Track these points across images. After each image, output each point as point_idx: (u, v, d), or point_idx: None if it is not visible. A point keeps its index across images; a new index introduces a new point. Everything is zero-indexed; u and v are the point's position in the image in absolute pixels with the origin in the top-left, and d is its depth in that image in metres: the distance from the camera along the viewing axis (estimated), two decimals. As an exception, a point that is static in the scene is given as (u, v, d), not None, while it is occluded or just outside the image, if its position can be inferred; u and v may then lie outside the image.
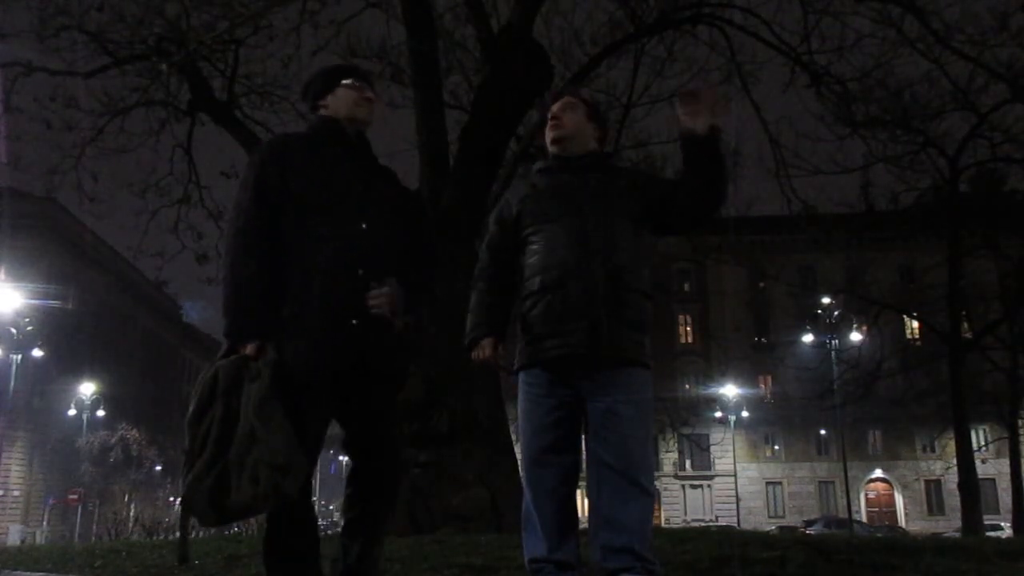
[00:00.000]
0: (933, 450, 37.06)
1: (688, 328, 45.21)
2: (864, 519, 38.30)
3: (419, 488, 6.60)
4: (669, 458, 41.58)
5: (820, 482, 42.33)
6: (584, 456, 2.59)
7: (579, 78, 10.52)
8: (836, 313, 25.03)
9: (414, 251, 2.56)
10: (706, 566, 3.83)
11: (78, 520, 34.43)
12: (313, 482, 2.41)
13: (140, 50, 9.55)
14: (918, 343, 31.03)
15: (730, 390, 37.95)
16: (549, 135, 2.77)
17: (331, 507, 50.53)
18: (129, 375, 43.45)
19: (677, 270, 42.44)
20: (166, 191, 10.89)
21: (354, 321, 2.33)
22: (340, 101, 2.55)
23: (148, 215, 11.00)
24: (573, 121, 2.74)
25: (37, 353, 27.27)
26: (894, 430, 39.88)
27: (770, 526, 33.59)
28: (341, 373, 2.35)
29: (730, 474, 41.03)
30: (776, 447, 43.51)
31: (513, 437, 6.72)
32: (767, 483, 42.93)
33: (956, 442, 18.76)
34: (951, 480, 24.63)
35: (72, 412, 35.87)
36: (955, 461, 18.83)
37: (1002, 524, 26.04)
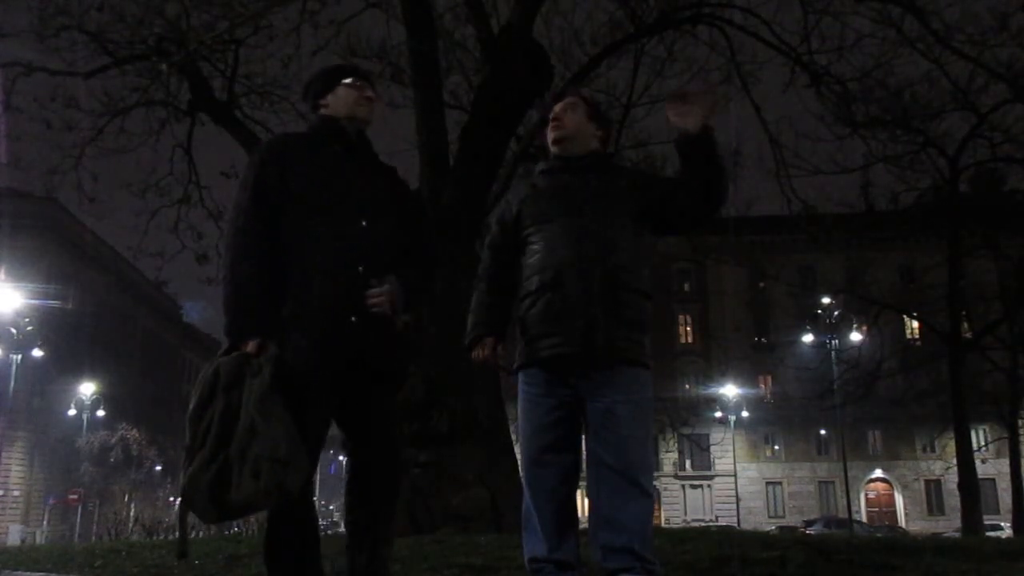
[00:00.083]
0: (933, 450, 37.04)
1: (688, 328, 45.22)
2: (864, 519, 38.30)
3: (419, 488, 6.60)
4: (669, 458, 41.59)
5: (820, 482, 42.34)
6: (584, 456, 2.59)
7: (579, 78, 10.52)
8: (836, 313, 25.03)
9: (414, 250, 2.56)
10: (706, 566, 3.83)
11: (78, 520, 34.43)
12: (314, 482, 2.40)
13: (140, 50, 9.55)
14: (918, 343, 31.03)
15: (730, 390, 37.96)
16: (550, 135, 2.77)
17: (331, 507, 50.51)
18: (129, 375, 43.46)
19: (677, 270, 42.47)
20: (166, 191, 10.90)
21: (354, 319, 2.34)
22: (340, 100, 2.55)
23: (148, 215, 11.02)
24: (574, 121, 2.74)
25: (37, 353, 27.27)
26: (894, 430, 39.88)
27: (770, 526, 33.58)
28: (341, 372, 2.35)
29: (730, 474, 41.04)
30: (776, 447, 43.51)
31: (513, 437, 6.72)
32: (767, 483, 42.93)
33: (956, 442, 18.77)
34: (951, 480, 24.63)
35: (72, 412, 35.86)
36: (955, 461, 18.84)
37: (1002, 524, 26.06)
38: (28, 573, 5.10)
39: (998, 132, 16.40)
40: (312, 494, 2.39)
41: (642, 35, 11.04)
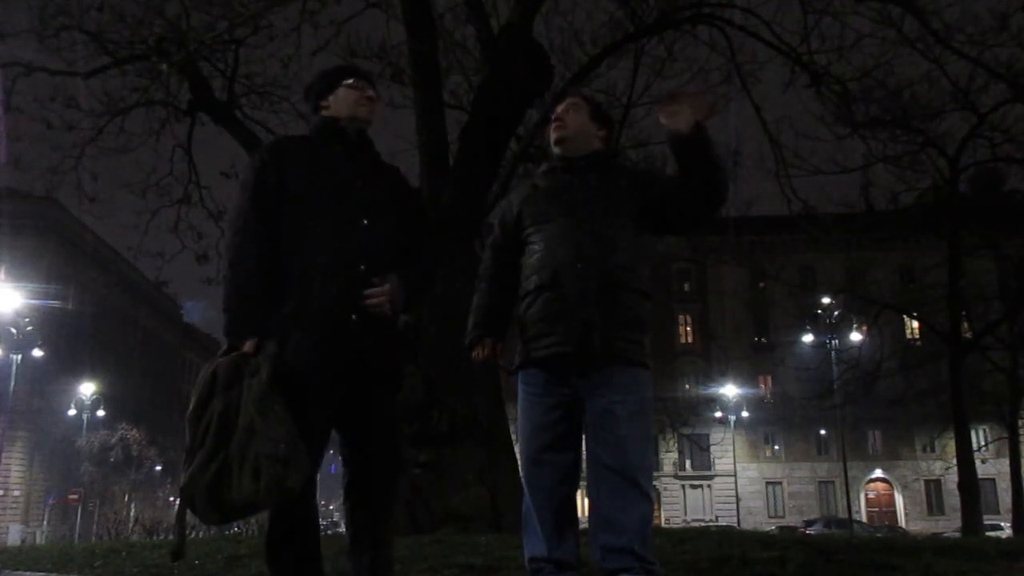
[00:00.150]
0: (933, 450, 37.07)
1: (688, 328, 45.22)
2: (864, 519, 38.31)
3: (419, 488, 6.60)
4: (669, 458, 41.58)
5: (820, 482, 42.34)
6: (584, 456, 2.59)
7: (579, 78, 10.52)
8: (836, 313, 25.02)
9: (414, 250, 2.57)
10: (706, 566, 3.83)
11: (78, 520, 34.42)
12: (316, 482, 2.40)
13: (140, 50, 9.55)
14: (918, 343, 31.00)
15: (730, 390, 37.96)
16: (552, 136, 2.77)
17: (331, 507, 50.51)
18: (129, 375, 43.46)
19: (677, 270, 42.48)
20: (166, 191, 10.91)
21: (354, 317, 2.34)
22: (341, 101, 2.56)
23: (148, 215, 11.02)
24: (576, 122, 2.74)
25: (37, 353, 27.26)
26: (894, 430, 39.87)
27: (770, 526, 33.59)
28: (341, 372, 2.35)
29: (730, 474, 41.03)
30: (776, 447, 43.51)
31: (513, 437, 6.71)
32: (767, 483, 42.94)
33: (956, 442, 18.77)
34: (951, 480, 24.63)
35: (72, 412, 35.85)
36: (955, 461, 18.83)
37: (1002, 524, 26.05)
38: (28, 573, 5.11)
39: (998, 132, 16.38)
40: (314, 494, 2.39)
41: (642, 35, 11.03)
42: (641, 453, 2.50)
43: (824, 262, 32.93)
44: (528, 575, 2.58)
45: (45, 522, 36.03)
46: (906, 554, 4.19)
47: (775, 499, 42.73)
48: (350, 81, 2.59)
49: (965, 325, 20.78)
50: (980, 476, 19.09)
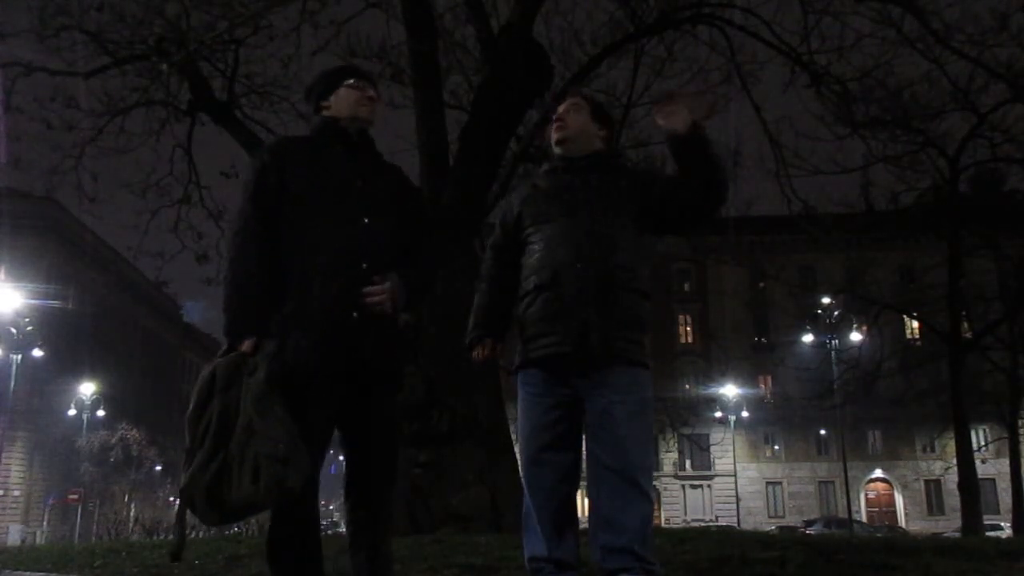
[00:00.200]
0: (933, 450, 37.06)
1: (688, 328, 45.23)
2: (864, 519, 38.31)
3: (419, 488, 6.60)
4: (669, 458, 41.59)
5: (820, 482, 42.35)
6: (584, 456, 2.59)
7: (579, 78, 10.52)
8: (836, 313, 25.02)
9: (414, 249, 2.57)
10: (706, 566, 3.83)
11: (78, 520, 34.42)
12: (318, 482, 2.40)
13: (140, 50, 9.55)
14: (918, 343, 31.01)
15: (730, 390, 37.96)
16: (554, 136, 2.77)
17: (331, 507, 50.50)
18: (129, 375, 43.46)
19: (677, 270, 42.49)
20: (166, 191, 10.90)
21: (355, 315, 2.35)
22: (342, 101, 2.57)
23: (148, 215, 11.01)
24: (577, 122, 2.75)
25: (37, 353, 27.25)
26: (894, 430, 39.88)
27: (770, 526, 33.59)
28: (342, 371, 2.35)
29: (730, 474, 41.02)
30: (776, 447, 43.52)
31: (513, 437, 6.72)
32: (767, 483, 42.94)
33: (956, 442, 18.77)
34: (951, 480, 24.62)
35: (72, 412, 35.85)
36: (955, 461, 18.84)
37: (1002, 524, 26.05)
38: (28, 573, 5.11)
39: (998, 132, 16.39)
40: (315, 494, 2.39)
41: (642, 35, 11.03)
42: (641, 453, 2.49)
43: (824, 262, 32.90)
44: (528, 575, 2.58)
45: (45, 522, 36.03)
46: (906, 554, 4.19)
47: (775, 499, 42.73)
48: (351, 81, 2.59)
49: (965, 325, 20.79)
50: (980, 476, 19.09)
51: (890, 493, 42.20)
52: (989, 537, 10.61)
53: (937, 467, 36.51)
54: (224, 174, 10.81)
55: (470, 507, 6.60)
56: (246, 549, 5.03)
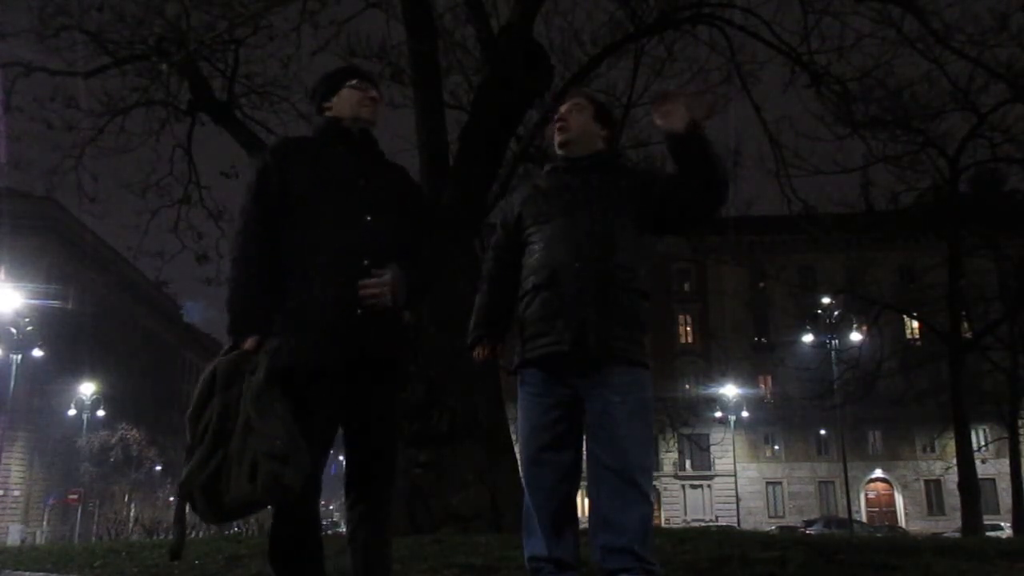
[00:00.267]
0: (933, 450, 37.06)
1: (688, 328, 45.22)
2: (864, 519, 38.31)
3: (419, 488, 6.60)
4: (669, 458, 41.59)
5: (820, 482, 42.35)
6: (585, 455, 2.59)
7: (579, 78, 10.52)
8: (836, 313, 25.01)
9: (415, 248, 2.57)
10: (706, 566, 3.83)
11: (78, 520, 34.43)
12: (320, 481, 2.40)
13: (140, 50, 9.55)
14: (918, 343, 31.03)
15: (730, 390, 37.95)
16: (556, 137, 2.78)
17: (331, 507, 50.51)
18: (129, 375, 43.45)
19: (677, 270, 42.48)
20: (166, 191, 10.91)
21: (359, 311, 2.35)
22: (345, 102, 2.59)
23: (148, 215, 11.02)
24: (579, 123, 2.74)
25: (37, 353, 27.25)
26: (894, 430, 39.89)
27: (770, 526, 33.62)
28: (344, 369, 2.36)
29: (730, 474, 41.02)
30: (776, 447, 43.52)
31: (513, 437, 6.72)
32: (767, 483, 42.94)
33: (956, 442, 18.77)
34: (951, 480, 24.63)
35: (72, 412, 35.85)
36: (955, 461, 18.84)
37: (1002, 524, 26.07)
38: (28, 573, 5.11)
39: (998, 132, 16.40)
40: (316, 494, 2.39)
41: (642, 35, 11.03)
42: (640, 453, 2.49)
43: (824, 262, 32.93)
44: (528, 574, 2.58)
45: (45, 522, 36.02)
46: (906, 554, 4.20)
47: (775, 499, 42.73)
48: (353, 82, 2.61)
49: (965, 325, 20.79)
50: (980, 476, 19.09)
51: (890, 493, 42.20)
52: (989, 537, 10.62)
53: (937, 467, 36.54)
54: (224, 174, 10.82)
55: (470, 507, 6.60)
56: (246, 549, 5.03)
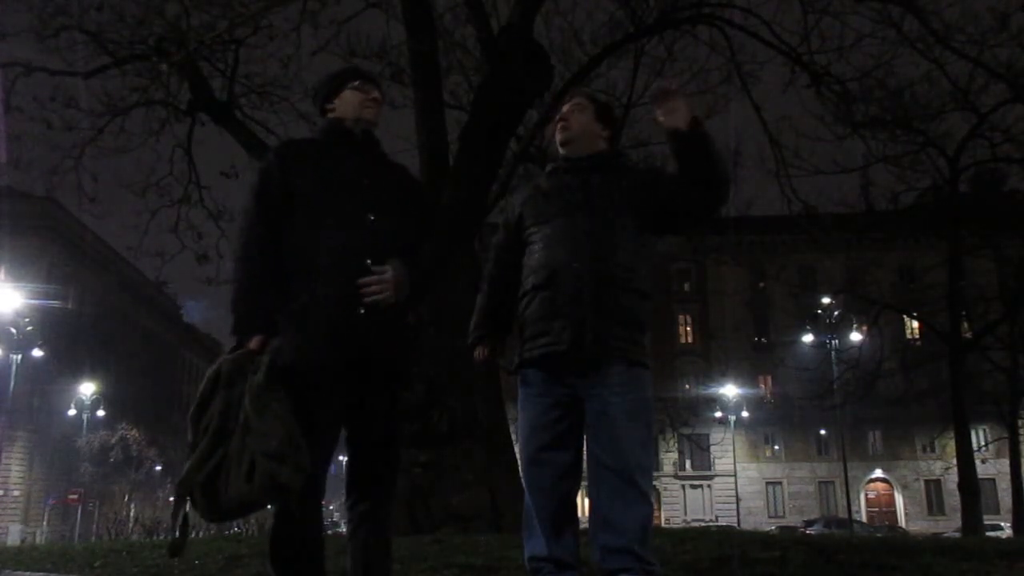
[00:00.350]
0: (933, 450, 37.06)
1: (688, 328, 45.21)
2: (864, 519, 38.30)
3: (419, 488, 6.60)
4: (669, 458, 41.59)
5: (820, 482, 42.33)
6: (585, 455, 2.59)
7: (579, 78, 10.53)
8: (836, 313, 25.01)
9: (418, 247, 2.58)
10: (706, 566, 3.83)
11: (78, 520, 34.43)
12: (322, 481, 2.40)
13: (140, 50, 9.56)
14: (918, 343, 31.04)
15: (730, 390, 37.95)
16: (557, 136, 2.78)
17: (331, 507, 50.55)
18: (129, 375, 43.46)
19: (677, 270, 42.47)
20: (166, 191, 10.91)
21: (362, 310, 2.36)
22: (347, 103, 2.60)
23: (148, 215, 11.02)
24: (580, 122, 2.74)
25: (37, 353, 27.26)
26: (894, 430, 39.88)
27: (770, 526, 33.60)
28: (347, 368, 2.36)
29: (730, 474, 41.03)
30: (776, 447, 43.51)
31: (513, 437, 6.72)
32: (767, 483, 42.93)
33: (956, 442, 18.76)
34: (951, 480, 24.63)
35: (72, 412, 35.87)
36: (955, 461, 18.83)
37: (1002, 524, 26.07)
38: (28, 573, 5.11)
39: (998, 132, 16.40)
40: (319, 494, 2.39)
41: (642, 35, 11.05)
42: (640, 453, 2.49)
43: (824, 262, 32.97)
44: (528, 574, 2.58)
45: (45, 522, 36.01)
46: (906, 554, 4.20)
47: (775, 499, 42.72)
48: (356, 83, 2.62)
49: (965, 325, 20.78)
50: (980, 476, 19.08)
51: (890, 493, 42.19)
52: (989, 537, 10.62)
53: (937, 467, 36.55)
54: (224, 174, 10.82)
55: (470, 507, 6.61)
56: (246, 549, 5.03)
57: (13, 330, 25.43)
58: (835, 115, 13.10)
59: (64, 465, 36.91)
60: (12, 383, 25.62)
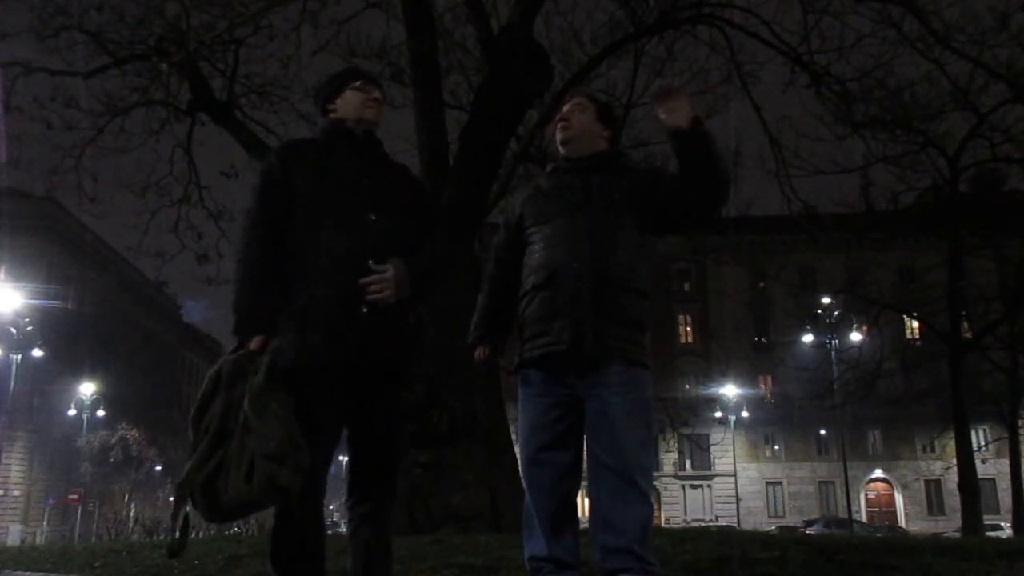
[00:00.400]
0: (933, 450, 37.06)
1: (688, 328, 45.21)
2: (864, 519, 38.30)
3: (419, 488, 6.60)
4: (669, 458, 41.58)
5: (820, 482, 42.33)
6: (585, 455, 2.59)
7: (579, 78, 10.53)
8: (836, 313, 25.01)
9: (419, 247, 2.58)
10: (706, 566, 3.83)
11: (78, 520, 34.43)
12: (324, 481, 2.40)
13: (140, 50, 9.56)
14: (918, 343, 31.02)
15: (730, 390, 37.95)
16: (558, 136, 2.78)
17: (331, 507, 50.57)
18: (129, 375, 43.46)
19: (677, 270, 42.48)
20: (166, 191, 10.92)
21: (364, 310, 2.36)
22: (348, 103, 2.60)
23: (148, 215, 11.03)
24: (581, 122, 2.74)
25: (37, 353, 27.25)
26: (894, 430, 39.89)
27: (770, 526, 33.59)
28: (348, 368, 2.36)
29: (730, 474, 41.03)
30: (776, 447, 43.50)
31: (513, 437, 6.72)
32: (767, 483, 42.93)
33: (956, 442, 18.76)
34: (951, 480, 24.62)
35: (72, 412, 35.86)
36: (955, 461, 18.83)
37: (1002, 524, 26.05)
38: (28, 573, 5.11)
39: (998, 132, 16.39)
40: (319, 494, 2.39)
41: (642, 35, 11.05)
42: (640, 453, 2.48)
43: (824, 262, 32.89)
44: (528, 574, 2.58)
45: (45, 522, 36.01)
46: (906, 554, 4.20)
47: (775, 499, 42.72)
48: (357, 84, 2.63)
49: (965, 325, 20.78)
50: (980, 476, 19.08)
51: (890, 493, 42.19)
52: (989, 537, 10.61)
53: (937, 467, 36.55)
54: (224, 174, 10.84)
55: (470, 507, 6.61)
56: (246, 549, 5.03)
57: (13, 330, 25.42)
58: (835, 115, 13.11)
59: (64, 465, 36.91)
60: (12, 383, 25.61)
